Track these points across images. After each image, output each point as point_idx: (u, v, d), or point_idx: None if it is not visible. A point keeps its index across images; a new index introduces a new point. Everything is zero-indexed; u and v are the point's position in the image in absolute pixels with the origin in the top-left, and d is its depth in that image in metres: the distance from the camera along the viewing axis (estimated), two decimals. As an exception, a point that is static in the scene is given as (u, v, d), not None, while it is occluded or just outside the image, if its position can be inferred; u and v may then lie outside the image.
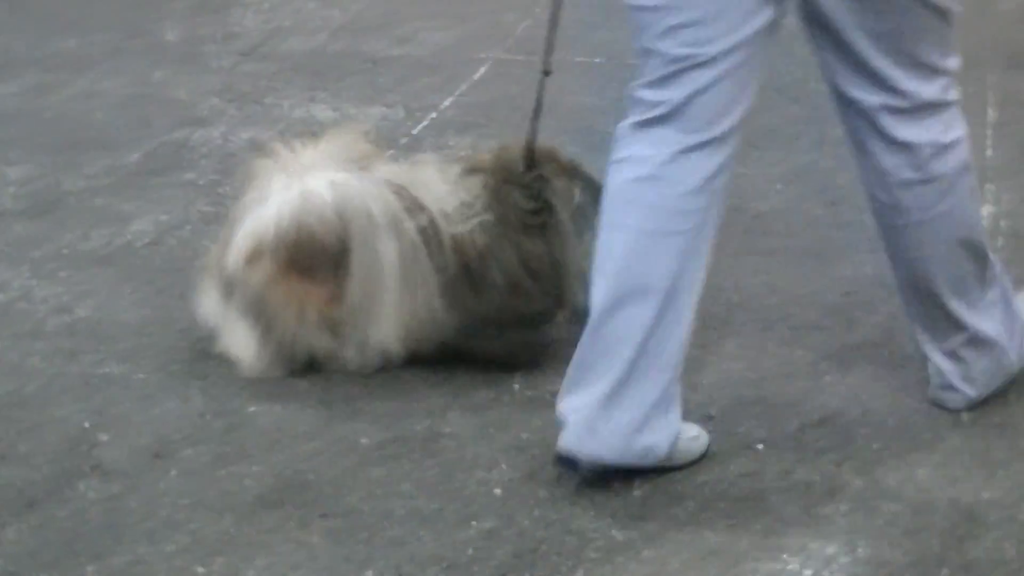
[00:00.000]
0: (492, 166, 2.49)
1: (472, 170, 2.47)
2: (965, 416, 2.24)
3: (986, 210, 3.14)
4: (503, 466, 2.10)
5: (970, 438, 2.18)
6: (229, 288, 2.32)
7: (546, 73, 2.52)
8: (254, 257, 2.29)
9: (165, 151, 3.37)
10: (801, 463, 2.10)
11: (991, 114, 3.70)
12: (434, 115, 3.63)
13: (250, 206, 2.35)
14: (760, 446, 2.16)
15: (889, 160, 2.20)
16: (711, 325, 2.50)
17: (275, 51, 4.08)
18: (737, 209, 3.11)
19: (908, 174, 2.20)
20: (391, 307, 2.33)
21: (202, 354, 2.40)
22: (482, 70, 3.96)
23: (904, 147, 2.19)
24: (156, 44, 4.12)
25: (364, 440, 2.17)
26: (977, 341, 2.24)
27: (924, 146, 2.19)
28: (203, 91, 3.76)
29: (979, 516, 1.97)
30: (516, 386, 2.35)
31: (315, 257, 2.30)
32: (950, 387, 2.24)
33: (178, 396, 2.30)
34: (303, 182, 2.32)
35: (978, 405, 2.25)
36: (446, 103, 3.71)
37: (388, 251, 2.33)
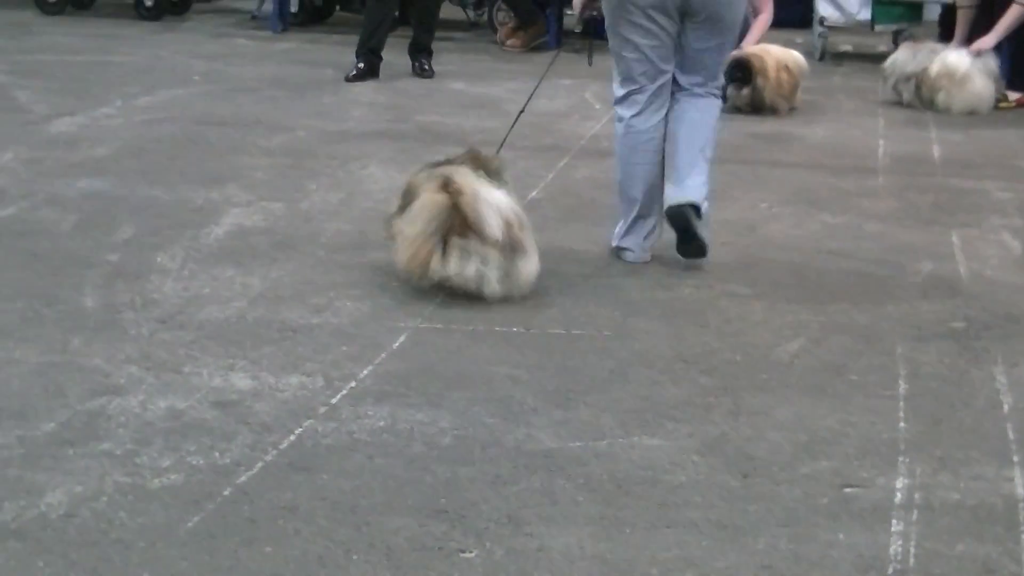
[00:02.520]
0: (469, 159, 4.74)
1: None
2: None
3: (900, 483, 3.28)
4: None
5: None
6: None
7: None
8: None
9: (80, 421, 3.44)
10: None
11: (902, 386, 3.88)
12: (353, 384, 3.74)
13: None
14: None
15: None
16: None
17: (193, 319, 4.20)
18: (652, 482, 3.23)
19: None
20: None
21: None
22: (401, 339, 4.09)
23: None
24: (74, 311, 4.22)
25: None
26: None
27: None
28: (120, 359, 3.84)
29: None
30: None
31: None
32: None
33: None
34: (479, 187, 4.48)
35: None
36: (364, 372, 3.83)
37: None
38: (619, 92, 5.03)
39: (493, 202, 4.41)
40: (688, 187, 4.87)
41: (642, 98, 4.97)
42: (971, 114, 8.13)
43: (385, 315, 4.30)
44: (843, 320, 4.42)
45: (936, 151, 7.17)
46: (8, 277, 4.52)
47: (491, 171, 4.64)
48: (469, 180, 4.46)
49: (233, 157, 6.33)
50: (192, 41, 10.10)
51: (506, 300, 4.42)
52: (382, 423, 3.50)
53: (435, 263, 4.35)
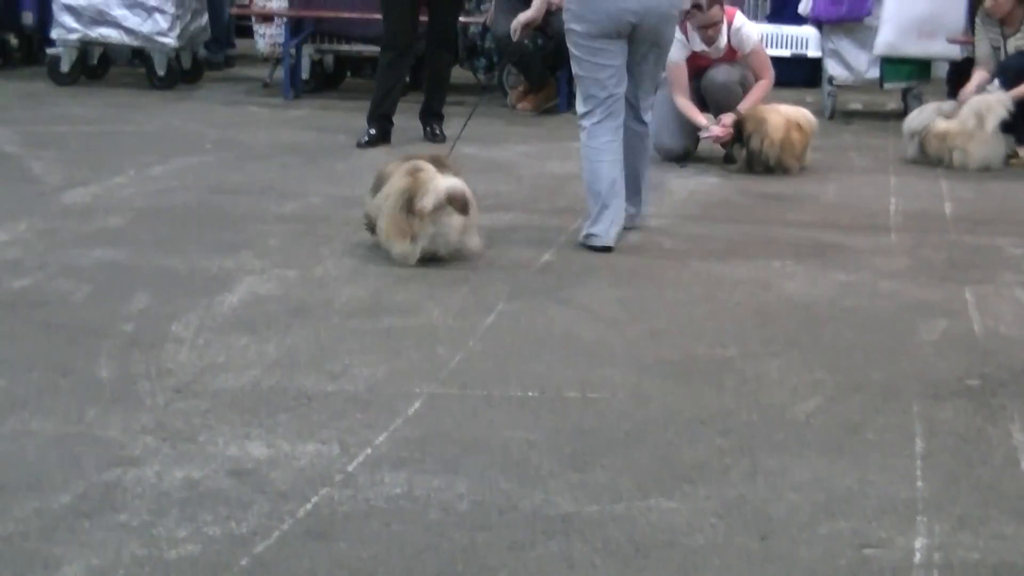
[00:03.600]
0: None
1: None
2: None
3: (919, 542, 3.27)
4: None
5: None
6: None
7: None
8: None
9: (97, 492, 3.44)
10: None
11: (919, 445, 3.88)
12: (369, 451, 3.74)
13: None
14: None
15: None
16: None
17: (209, 387, 4.21)
18: (670, 545, 3.22)
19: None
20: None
21: None
22: (416, 404, 4.10)
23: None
24: (89, 381, 4.24)
25: None
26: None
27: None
28: (136, 429, 3.85)
29: None
30: None
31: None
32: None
33: None
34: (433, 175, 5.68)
35: None
36: (380, 438, 3.83)
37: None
38: (583, 108, 6.17)
39: (442, 183, 5.65)
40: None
41: (602, 111, 6.13)
42: (984, 170, 8.15)
43: (400, 380, 4.31)
44: (859, 378, 4.42)
45: (948, 208, 7.18)
46: (24, 348, 4.55)
47: (448, 167, 5.83)
48: (428, 168, 5.73)
49: (246, 224, 6.36)
50: (204, 109, 10.18)
51: (521, 364, 4.44)
52: (399, 490, 3.50)
53: (411, 235, 5.65)
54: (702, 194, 7.45)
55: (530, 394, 4.22)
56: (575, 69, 6.20)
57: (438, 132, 8.88)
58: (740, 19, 8.25)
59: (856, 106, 11.08)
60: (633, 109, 6.29)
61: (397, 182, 5.69)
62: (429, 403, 4.12)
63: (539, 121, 9.88)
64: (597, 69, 6.10)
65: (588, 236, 6.09)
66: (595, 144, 6.14)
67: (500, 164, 7.99)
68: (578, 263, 5.81)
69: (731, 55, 8.22)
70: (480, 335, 4.79)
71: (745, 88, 8.19)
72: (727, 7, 8.21)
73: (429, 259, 5.66)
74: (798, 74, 11.67)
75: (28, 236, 6.05)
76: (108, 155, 8.08)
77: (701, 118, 8.13)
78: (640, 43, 6.18)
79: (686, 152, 8.37)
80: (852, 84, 10.57)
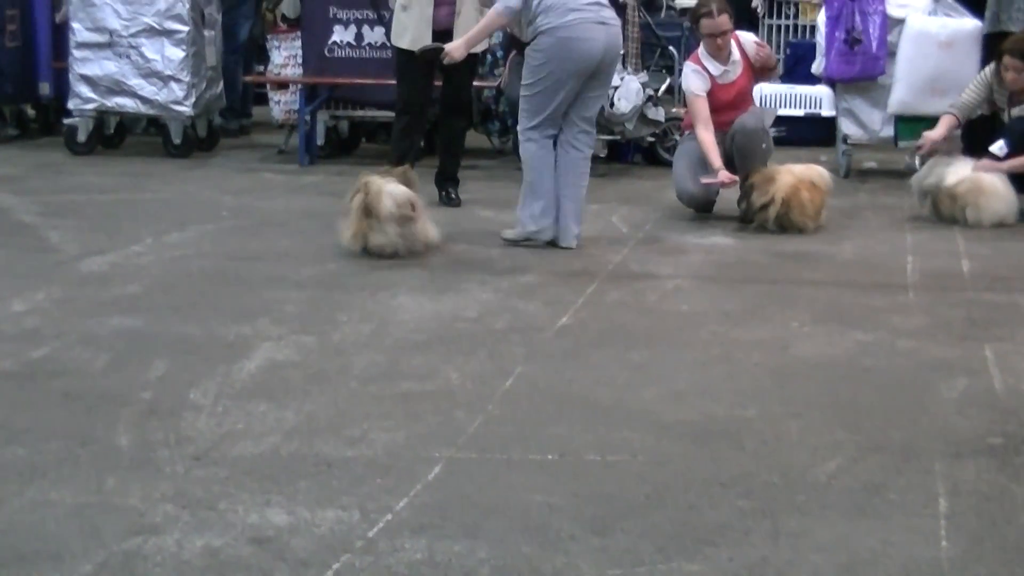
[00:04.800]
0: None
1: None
2: None
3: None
4: None
5: None
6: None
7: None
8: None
9: (117, 561, 3.44)
10: None
11: (943, 504, 3.86)
12: (389, 517, 3.74)
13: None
14: None
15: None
16: None
17: (228, 455, 4.21)
18: (695, 608, 3.20)
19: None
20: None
21: None
22: (436, 469, 4.10)
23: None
24: (108, 450, 4.25)
25: None
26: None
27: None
28: (156, 497, 3.86)
29: None
30: None
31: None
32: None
33: None
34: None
35: None
36: (401, 504, 3.83)
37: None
38: (532, 123, 7.31)
39: (390, 192, 7.04)
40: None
41: (550, 128, 7.35)
42: (999, 226, 8.16)
43: (419, 445, 4.31)
44: (879, 438, 4.41)
45: (965, 265, 7.19)
46: (42, 417, 4.56)
47: (407, 180, 7.24)
48: (378, 182, 7.10)
49: (264, 291, 6.39)
50: (220, 177, 10.24)
51: (540, 427, 4.44)
52: (419, 556, 3.50)
53: (361, 241, 7.11)
54: (718, 254, 7.47)
55: (549, 457, 4.22)
56: (529, 93, 7.27)
57: (454, 196, 8.92)
58: (741, 33, 8.53)
59: (871, 165, 11.10)
60: (577, 131, 7.39)
61: (354, 197, 7.11)
62: (448, 468, 4.12)
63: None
64: (555, 99, 7.24)
65: (536, 232, 7.39)
66: (541, 154, 7.35)
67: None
68: (595, 326, 5.82)
69: (747, 69, 8.32)
70: (498, 399, 4.79)
71: (768, 140, 8.33)
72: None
73: (403, 256, 7.07)
74: (812, 133, 11.72)
75: (46, 305, 6.08)
76: (125, 223, 8.13)
77: (717, 159, 8.13)
78: (596, 75, 7.29)
79: (710, 200, 8.38)
80: (866, 143, 10.61)
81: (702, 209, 8.53)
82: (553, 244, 7.37)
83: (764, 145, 8.27)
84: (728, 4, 8.29)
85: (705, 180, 8.16)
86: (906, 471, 4.12)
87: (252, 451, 4.25)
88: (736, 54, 8.34)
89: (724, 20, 8.19)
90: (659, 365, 5.25)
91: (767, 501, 3.88)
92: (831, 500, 3.89)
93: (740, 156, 8.25)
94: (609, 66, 7.39)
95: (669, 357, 5.36)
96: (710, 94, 8.25)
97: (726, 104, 8.28)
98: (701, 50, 8.34)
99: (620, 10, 10.67)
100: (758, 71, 8.51)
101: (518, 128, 7.59)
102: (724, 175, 8.06)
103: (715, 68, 8.27)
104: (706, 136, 8.16)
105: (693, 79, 8.29)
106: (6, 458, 4.16)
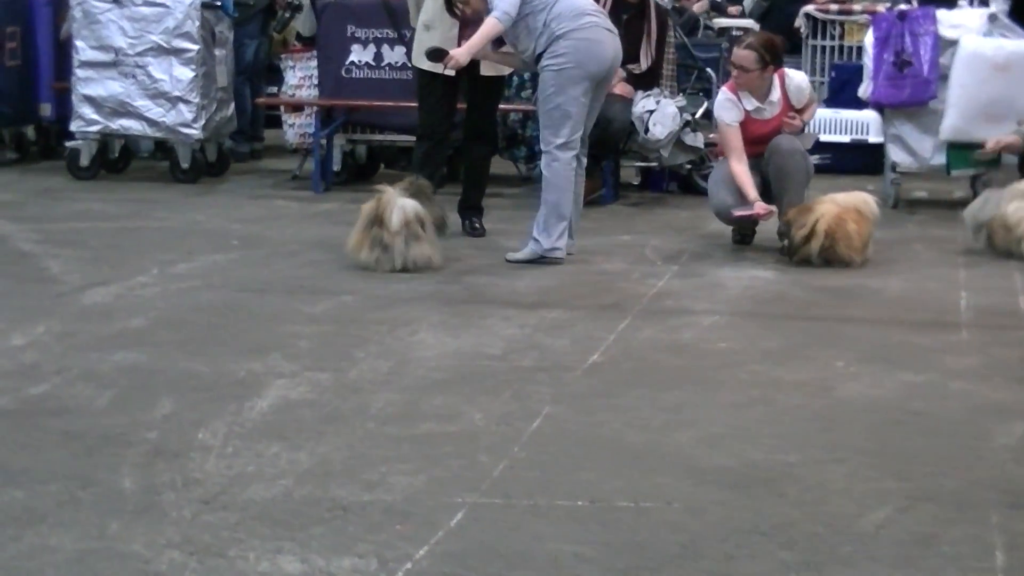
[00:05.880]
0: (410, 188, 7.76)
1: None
2: None
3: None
4: None
5: None
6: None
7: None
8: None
9: (120, 611, 3.46)
10: None
11: (999, 558, 3.85)
12: (409, 566, 3.75)
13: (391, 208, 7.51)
14: None
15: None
16: None
17: (238, 499, 4.23)
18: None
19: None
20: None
21: None
22: (458, 516, 4.11)
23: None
24: (111, 493, 4.27)
25: None
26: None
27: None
28: (161, 544, 3.87)
29: None
30: None
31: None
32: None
33: None
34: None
35: None
36: (421, 553, 3.84)
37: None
38: (561, 140, 7.79)
39: (401, 205, 7.47)
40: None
41: (575, 143, 7.85)
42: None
43: (441, 490, 4.32)
44: (930, 487, 4.40)
45: (1023, 302, 7.17)
46: (42, 458, 4.58)
47: (419, 191, 7.75)
48: (392, 193, 7.53)
49: (276, 325, 6.42)
50: (230, 204, 10.30)
51: (569, 472, 4.44)
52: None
53: (364, 251, 7.55)
54: (757, 288, 7.47)
55: (579, 504, 4.22)
56: (551, 104, 7.79)
57: (478, 226, 8.95)
58: (790, 71, 8.42)
59: (921, 194, 11.11)
60: (582, 144, 8.01)
61: (365, 205, 7.60)
62: (471, 514, 4.13)
63: (584, 213, 9.92)
64: (581, 107, 7.81)
65: (552, 250, 7.84)
66: (567, 173, 7.87)
67: (543, 260, 8.00)
68: (627, 365, 5.83)
69: (786, 110, 8.29)
70: (524, 441, 4.80)
71: (807, 163, 8.29)
72: (776, 69, 8.31)
73: (399, 271, 7.50)
74: (858, 161, 11.73)
75: (46, 339, 6.12)
76: (129, 253, 8.19)
77: (752, 190, 8.13)
78: (600, 85, 7.95)
79: (754, 220, 8.37)
80: (916, 171, 10.61)
81: (744, 229, 8.53)
82: (553, 261, 7.88)
83: (803, 167, 8.26)
84: (768, 47, 8.20)
85: (739, 213, 8.16)
86: (959, 522, 4.10)
87: (263, 495, 4.26)
88: (777, 94, 8.28)
89: (745, 56, 8.13)
90: (695, 407, 5.25)
91: (811, 552, 3.87)
92: (879, 552, 3.88)
93: (777, 179, 8.26)
94: (611, 75, 8.17)
95: (705, 398, 5.37)
96: (743, 125, 8.25)
97: (758, 139, 8.28)
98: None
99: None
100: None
101: (542, 147, 7.97)
102: (760, 207, 8.06)
103: (750, 103, 8.27)
104: (739, 168, 8.17)
105: (725, 108, 8.30)
106: (3, 501, 4.18)
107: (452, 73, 8.40)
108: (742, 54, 8.19)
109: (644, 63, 10.11)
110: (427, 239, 7.61)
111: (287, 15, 12.49)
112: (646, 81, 10.22)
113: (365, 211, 7.60)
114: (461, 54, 8.06)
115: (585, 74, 7.77)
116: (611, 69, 8.05)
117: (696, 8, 13.57)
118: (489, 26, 7.92)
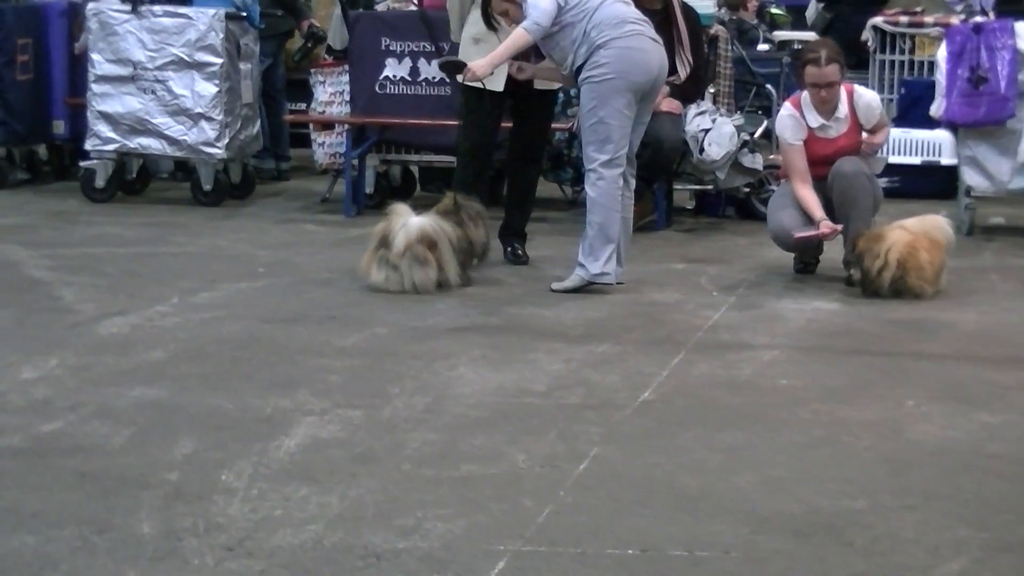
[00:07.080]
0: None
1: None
2: None
3: None
4: None
5: None
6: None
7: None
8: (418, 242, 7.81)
9: (139, 664, 3.47)
10: None
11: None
12: (445, 619, 3.76)
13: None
14: None
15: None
16: None
17: (264, 545, 4.24)
18: None
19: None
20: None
21: None
22: (500, 565, 4.11)
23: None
24: (129, 538, 4.28)
25: None
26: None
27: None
28: (182, 593, 3.90)
29: None
30: None
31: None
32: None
33: None
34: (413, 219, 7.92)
35: None
36: (459, 604, 3.85)
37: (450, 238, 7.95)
38: (605, 156, 7.78)
39: (408, 228, 7.78)
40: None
41: (620, 160, 7.83)
42: None
43: (481, 537, 4.32)
44: (1010, 537, 4.38)
45: (1109, 337, 7.14)
46: (55, 500, 4.61)
47: (459, 212, 8.09)
48: (403, 214, 7.89)
49: (304, 359, 6.44)
50: (256, 228, 10.35)
51: (619, 517, 4.44)
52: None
53: (373, 271, 7.85)
54: (821, 321, 7.46)
55: (629, 552, 4.22)
56: (595, 119, 7.77)
57: (520, 253, 8.94)
58: (860, 88, 8.42)
59: (998, 220, 11.07)
60: (630, 163, 8.00)
61: (376, 226, 7.96)
62: (514, 563, 4.13)
63: (634, 239, 9.93)
64: (625, 120, 7.80)
65: (600, 275, 7.87)
66: (614, 192, 7.86)
67: (590, 288, 8.03)
68: (681, 402, 5.83)
69: (854, 129, 8.27)
70: (571, 485, 4.81)
71: (875, 186, 8.27)
72: (844, 83, 8.29)
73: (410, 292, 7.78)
74: (930, 185, 11.70)
75: (59, 373, 6.16)
76: (148, 281, 8.23)
77: (819, 210, 8.13)
78: (645, 99, 7.94)
79: (818, 245, 8.36)
80: (993, 195, 10.57)
81: (806, 256, 8.52)
82: (601, 288, 7.95)
83: (869, 190, 8.24)
84: (840, 52, 8.24)
85: (801, 235, 8.14)
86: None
87: (291, 541, 4.28)
88: (844, 110, 8.28)
89: (832, 71, 8.12)
90: (754, 448, 5.25)
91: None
92: (953, 607, 3.87)
93: (841, 205, 8.24)
94: (658, 88, 8.12)
95: (765, 439, 5.36)
96: (806, 144, 8.25)
97: (822, 159, 8.27)
98: (804, 96, 8.32)
99: (711, 44, 10.71)
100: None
101: (586, 165, 7.99)
102: (826, 225, 8.06)
103: (814, 120, 8.26)
104: (803, 191, 8.17)
105: (788, 125, 8.30)
106: (13, 546, 4.21)
107: (500, 88, 8.40)
108: (827, 70, 8.12)
109: (683, 72, 9.91)
110: (435, 263, 7.83)
111: (309, 45, 12.57)
112: (690, 91, 10.15)
113: (375, 231, 7.92)
114: (482, 67, 8.08)
115: (628, 85, 7.78)
116: (657, 81, 7.99)
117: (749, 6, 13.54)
118: (516, 36, 7.94)
